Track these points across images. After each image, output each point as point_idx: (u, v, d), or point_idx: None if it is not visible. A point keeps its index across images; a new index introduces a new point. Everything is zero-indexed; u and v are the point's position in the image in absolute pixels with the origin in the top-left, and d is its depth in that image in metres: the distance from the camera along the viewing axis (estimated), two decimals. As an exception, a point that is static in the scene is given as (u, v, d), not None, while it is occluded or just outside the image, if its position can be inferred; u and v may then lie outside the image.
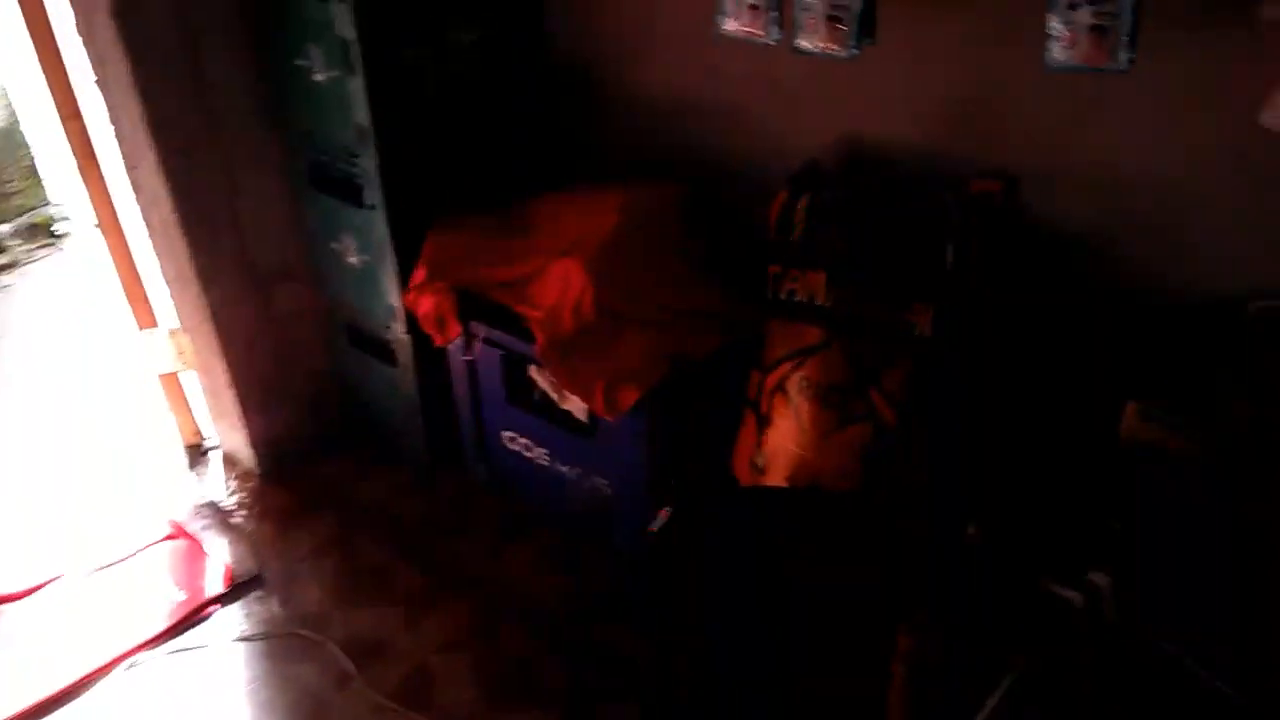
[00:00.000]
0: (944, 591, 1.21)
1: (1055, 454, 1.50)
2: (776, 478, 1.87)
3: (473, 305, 2.05)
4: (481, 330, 2.07)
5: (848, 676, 1.40)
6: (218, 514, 2.39)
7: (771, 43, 1.96)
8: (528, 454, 2.24)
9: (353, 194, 2.07)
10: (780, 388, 1.88)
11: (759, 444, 1.91)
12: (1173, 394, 1.38)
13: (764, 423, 1.91)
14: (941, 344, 1.80)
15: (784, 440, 1.87)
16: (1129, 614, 1.15)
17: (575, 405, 2.00)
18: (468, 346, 2.13)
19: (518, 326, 1.98)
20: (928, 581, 1.21)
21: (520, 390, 2.13)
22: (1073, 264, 1.79)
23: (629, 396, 1.92)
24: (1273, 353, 1.43)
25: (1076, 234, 1.77)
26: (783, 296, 1.91)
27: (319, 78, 1.96)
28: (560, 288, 1.97)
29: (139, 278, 2.38)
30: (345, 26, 1.84)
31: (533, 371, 2.03)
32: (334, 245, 2.21)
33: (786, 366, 1.88)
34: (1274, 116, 1.44)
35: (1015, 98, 1.73)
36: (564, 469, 2.18)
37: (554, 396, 2.02)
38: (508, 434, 2.25)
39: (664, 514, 1.75)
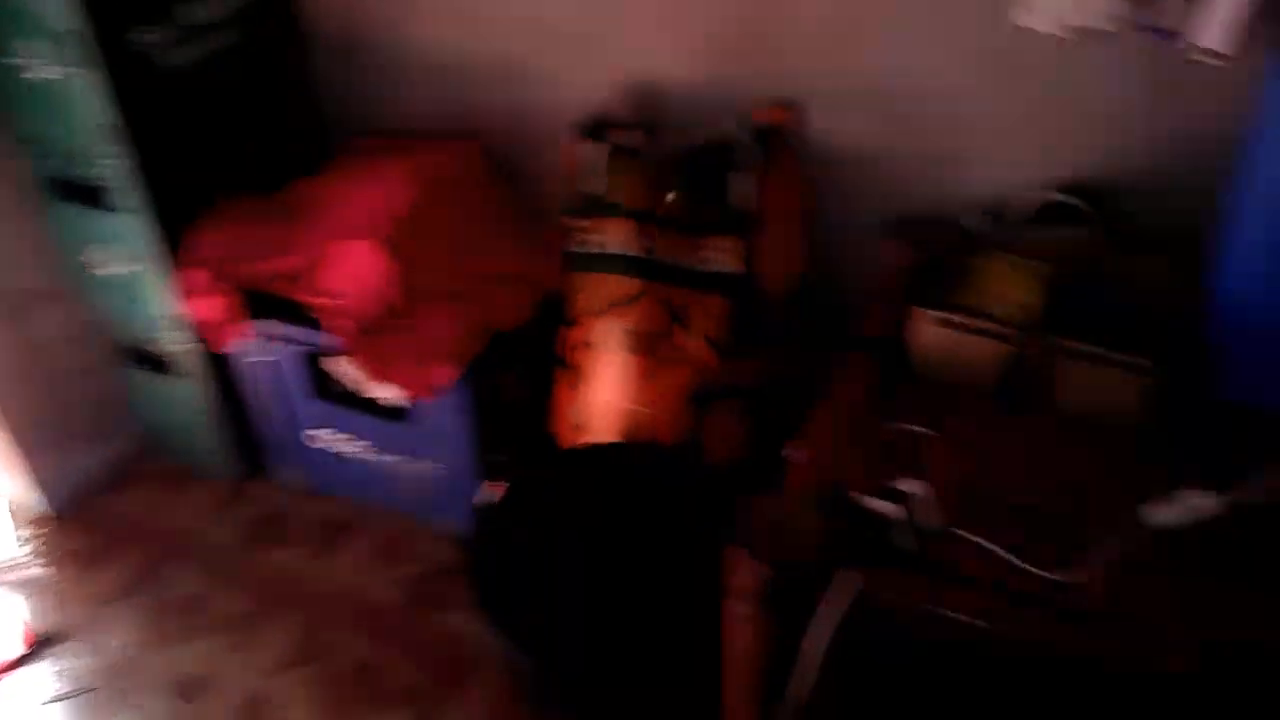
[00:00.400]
0: (763, 517, 1.18)
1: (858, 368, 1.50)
2: (603, 435, 1.83)
3: (257, 302, 1.89)
4: (270, 328, 1.92)
5: (679, 622, 1.38)
6: (8, 569, 2.15)
7: (538, -15, 1.88)
8: (344, 449, 2.11)
9: (100, 199, 1.86)
10: (591, 342, 1.83)
11: (576, 402, 1.86)
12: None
13: (579, 380, 1.85)
14: (749, 276, 1.79)
15: (607, 396, 1.82)
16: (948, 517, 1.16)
17: (383, 391, 1.89)
18: (258, 347, 1.97)
19: (309, 318, 1.84)
20: (743, 510, 1.18)
21: (323, 384, 1.99)
22: (860, 179, 1.80)
23: (445, 375, 1.83)
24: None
25: (858, 150, 1.78)
26: (587, 249, 1.85)
27: (42, 75, 1.73)
28: (357, 271, 1.84)
29: None
30: (64, 16, 1.63)
31: (332, 363, 1.90)
32: (86, 258, 1.99)
33: (598, 319, 1.83)
34: (1023, 13, 1.47)
35: (790, 20, 1.71)
36: (385, 458, 2.07)
37: (359, 385, 1.89)
38: (318, 432, 2.11)
39: (493, 487, 1.69)
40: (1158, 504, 1.15)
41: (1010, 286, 1.42)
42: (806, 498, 1.21)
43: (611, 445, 1.79)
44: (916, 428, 1.30)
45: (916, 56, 1.64)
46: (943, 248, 1.53)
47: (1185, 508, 1.14)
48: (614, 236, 1.82)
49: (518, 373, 1.99)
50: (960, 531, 1.16)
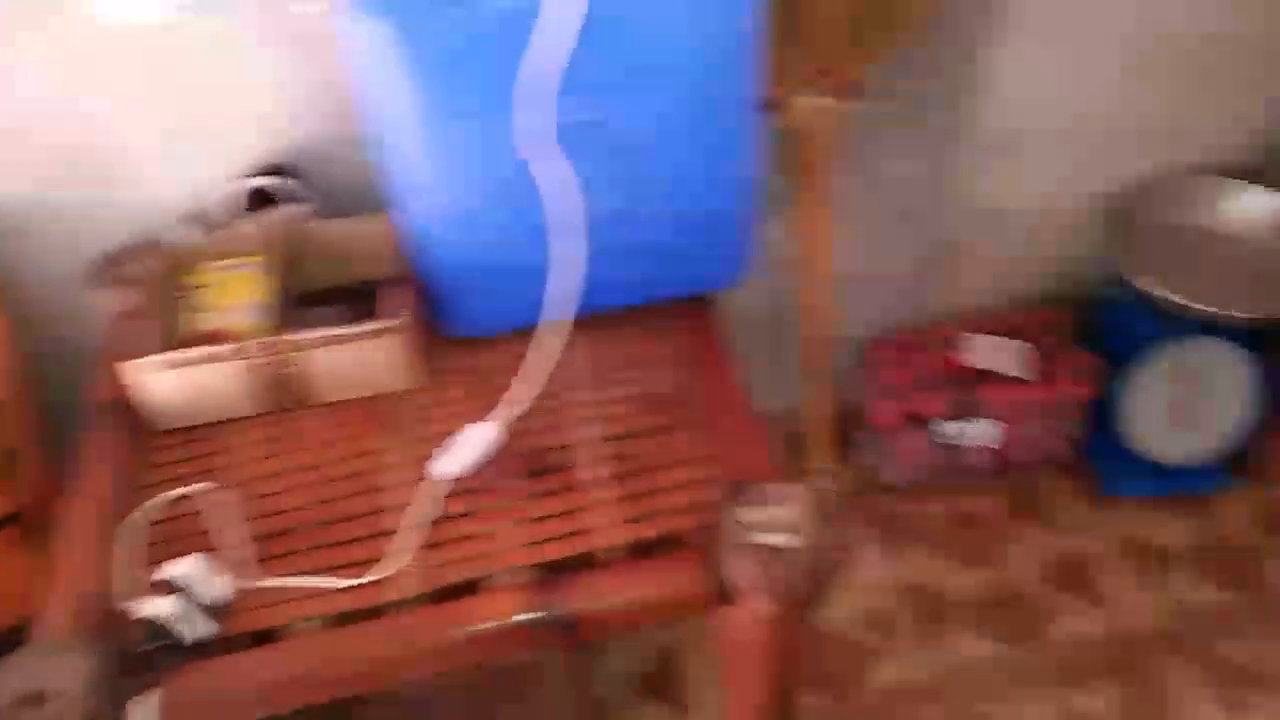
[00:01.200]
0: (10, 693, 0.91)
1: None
2: None
3: None
4: None
5: None
6: None
7: None
8: None
9: None
10: None
11: None
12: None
13: None
14: None
15: None
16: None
17: None
18: None
19: None
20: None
21: None
22: (46, 236, 1.50)
23: None
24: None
25: (29, 206, 1.46)
26: None
27: None
28: None
29: None
30: None
31: None
32: None
33: None
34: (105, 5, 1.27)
35: None
36: None
37: None
38: None
39: None
40: (439, 456, 1.13)
41: (233, 294, 1.28)
42: (71, 636, 0.96)
43: None
44: (182, 490, 1.11)
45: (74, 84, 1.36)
46: (151, 277, 1.32)
47: (467, 447, 1.13)
48: None
49: None
50: (262, 584, 1.02)
